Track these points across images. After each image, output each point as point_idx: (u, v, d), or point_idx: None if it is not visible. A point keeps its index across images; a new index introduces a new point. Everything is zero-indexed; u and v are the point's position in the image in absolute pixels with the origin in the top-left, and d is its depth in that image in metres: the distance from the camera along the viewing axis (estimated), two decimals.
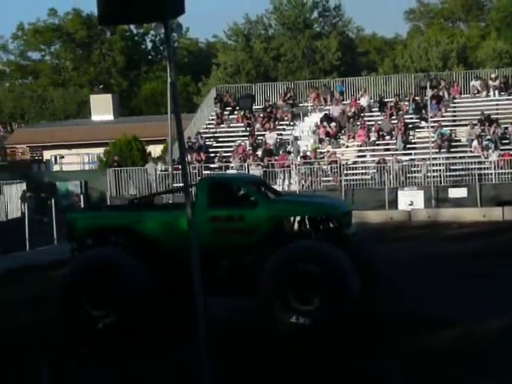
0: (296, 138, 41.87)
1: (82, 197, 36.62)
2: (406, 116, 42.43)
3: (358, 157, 40.49)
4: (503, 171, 37.07)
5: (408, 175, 37.74)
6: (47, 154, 58.43)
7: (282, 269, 14.85)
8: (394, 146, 40.07)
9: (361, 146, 40.89)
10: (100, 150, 49.52)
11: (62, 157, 56.11)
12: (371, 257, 16.80)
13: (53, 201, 31.63)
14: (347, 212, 16.63)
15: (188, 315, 16.26)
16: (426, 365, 12.57)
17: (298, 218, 16.36)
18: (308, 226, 16.29)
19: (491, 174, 37.00)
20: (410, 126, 41.75)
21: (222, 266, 15.55)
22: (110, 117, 61.47)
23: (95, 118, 62.14)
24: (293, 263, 14.88)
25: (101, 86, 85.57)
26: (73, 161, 55.21)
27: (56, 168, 54.70)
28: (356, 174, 38.82)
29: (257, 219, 15.57)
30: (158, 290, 15.64)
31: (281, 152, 40.84)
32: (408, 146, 40.31)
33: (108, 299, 15.30)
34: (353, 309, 14.75)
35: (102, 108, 61.86)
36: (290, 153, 40.60)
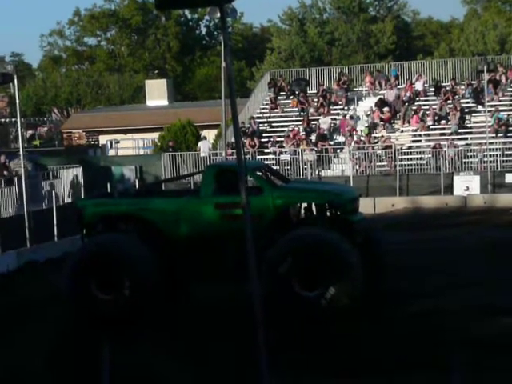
0: (352, 117, 41.55)
1: (136, 181, 36.89)
2: (462, 100, 41.93)
3: (413, 141, 40.15)
4: None
5: (464, 160, 37.31)
6: (103, 139, 58.98)
7: (282, 258, 15.11)
8: (449, 131, 39.65)
9: (416, 130, 40.53)
10: (155, 135, 49.84)
11: (118, 142, 56.60)
12: (378, 241, 16.96)
13: (108, 185, 31.94)
14: (352, 199, 16.73)
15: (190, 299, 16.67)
16: (481, 353, 12.51)
17: (304, 205, 16.55)
18: (314, 213, 16.45)
19: None
20: (466, 110, 41.25)
21: (228, 252, 15.70)
22: (164, 102, 61.75)
23: (150, 103, 62.46)
24: (291, 252, 15.09)
25: (156, 72, 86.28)
26: (128, 145, 55.68)
27: (112, 153, 55.20)
28: (411, 159, 38.49)
29: (262, 206, 15.74)
30: (164, 275, 15.87)
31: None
32: (464, 130, 39.86)
33: (115, 284, 15.52)
34: (357, 290, 14.91)
35: (156, 93, 62.17)
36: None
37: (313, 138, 40.81)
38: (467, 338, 13.34)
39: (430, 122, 40.64)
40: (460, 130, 39.59)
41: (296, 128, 41.51)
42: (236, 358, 12.94)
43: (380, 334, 14.06)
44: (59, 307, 16.96)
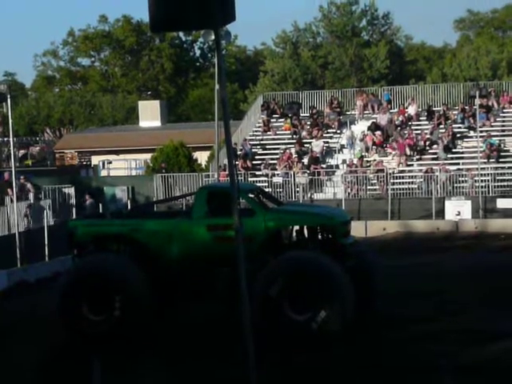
0: (343, 146, 41.78)
1: (128, 202, 36.89)
2: (454, 125, 42.06)
3: (405, 166, 40.19)
4: None
5: (455, 185, 37.39)
6: (95, 160, 59.00)
7: (273, 280, 15.04)
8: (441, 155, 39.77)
9: (408, 155, 40.60)
10: (147, 156, 49.89)
11: (110, 162, 56.61)
12: (370, 264, 16.96)
13: (100, 205, 31.96)
14: (344, 222, 16.71)
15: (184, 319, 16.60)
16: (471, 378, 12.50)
17: (296, 228, 16.55)
18: (306, 236, 16.46)
19: None
20: (458, 135, 41.39)
21: (220, 274, 15.68)
22: (157, 123, 61.87)
23: (143, 124, 62.60)
24: (282, 274, 15.07)
25: (149, 93, 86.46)
26: (120, 166, 55.67)
27: (104, 173, 55.20)
28: (403, 183, 38.57)
29: (254, 228, 15.72)
30: (155, 295, 15.84)
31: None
32: (456, 155, 39.98)
33: (105, 304, 15.49)
34: (348, 314, 14.88)
35: (149, 114, 62.31)
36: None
37: (305, 160, 40.87)
38: (457, 363, 13.31)
39: (422, 147, 40.73)
40: (451, 156, 39.72)
41: (288, 151, 41.59)
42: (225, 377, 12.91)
43: (370, 358, 14.02)
44: (47, 327, 16.89)
